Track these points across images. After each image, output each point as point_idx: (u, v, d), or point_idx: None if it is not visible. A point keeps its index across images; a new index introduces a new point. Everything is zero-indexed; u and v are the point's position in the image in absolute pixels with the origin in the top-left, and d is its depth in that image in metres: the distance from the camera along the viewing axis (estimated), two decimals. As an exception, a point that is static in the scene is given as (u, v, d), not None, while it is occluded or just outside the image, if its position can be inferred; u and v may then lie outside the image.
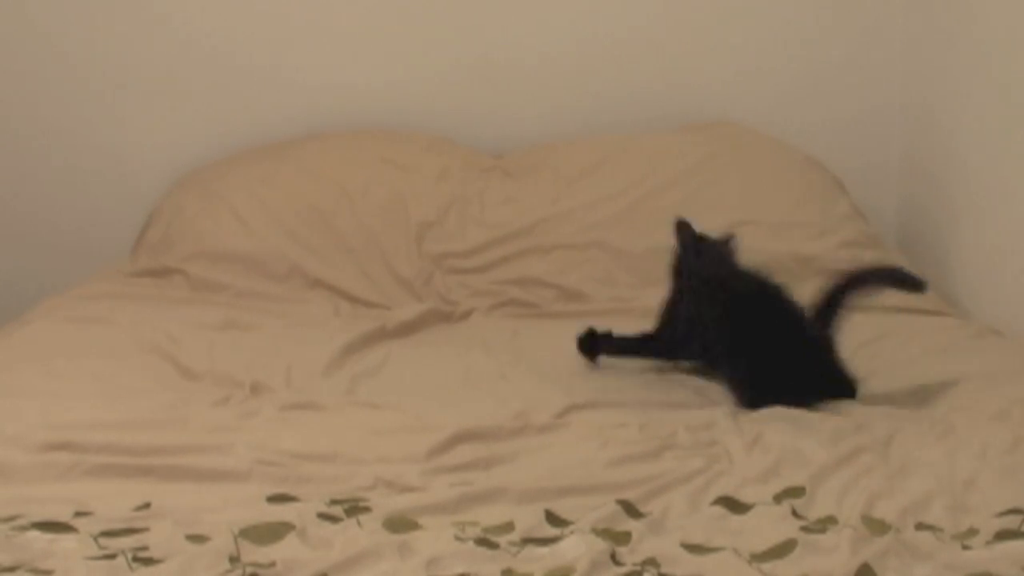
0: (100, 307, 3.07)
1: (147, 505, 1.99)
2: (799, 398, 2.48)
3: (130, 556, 1.81)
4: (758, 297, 2.61)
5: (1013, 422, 2.37)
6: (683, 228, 2.73)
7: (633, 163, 3.46)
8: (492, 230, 3.35)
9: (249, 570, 1.78)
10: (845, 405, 2.51)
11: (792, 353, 2.53)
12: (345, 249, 3.31)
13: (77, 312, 3.03)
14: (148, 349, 2.80)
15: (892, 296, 3.16)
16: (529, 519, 1.95)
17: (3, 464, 2.14)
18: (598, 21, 3.62)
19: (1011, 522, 1.94)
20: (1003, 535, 1.90)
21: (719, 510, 2.01)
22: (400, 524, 1.92)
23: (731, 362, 2.58)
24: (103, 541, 1.86)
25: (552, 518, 1.96)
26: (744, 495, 2.05)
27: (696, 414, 2.46)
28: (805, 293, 3.02)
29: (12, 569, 1.77)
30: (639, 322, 2.78)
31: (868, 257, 3.27)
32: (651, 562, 1.81)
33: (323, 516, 1.96)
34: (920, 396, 2.54)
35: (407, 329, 3.02)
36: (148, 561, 1.80)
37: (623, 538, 1.89)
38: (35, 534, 1.88)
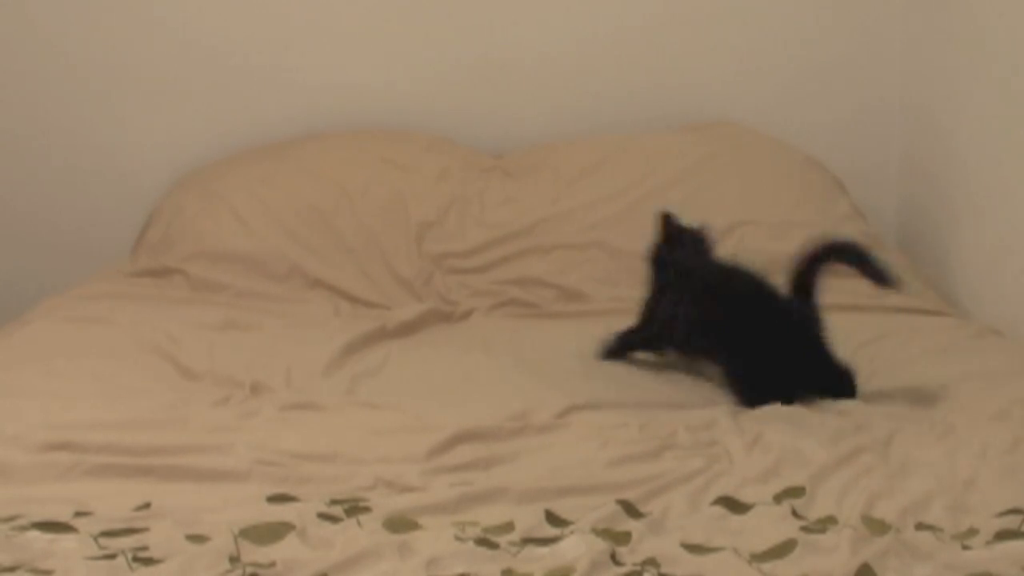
0: (100, 307, 3.07)
1: (147, 505, 1.99)
2: (796, 391, 2.49)
3: (130, 556, 1.81)
4: (749, 291, 2.62)
5: (1013, 422, 2.37)
6: (667, 220, 2.74)
7: (633, 163, 3.46)
8: (492, 230, 3.35)
9: (249, 570, 1.78)
10: (845, 405, 2.51)
11: (787, 348, 2.53)
12: (345, 249, 3.31)
13: (77, 312, 3.03)
14: (148, 349, 2.80)
15: (892, 296, 3.17)
16: (529, 519, 1.95)
17: (3, 464, 2.14)
18: (598, 21, 3.62)
19: (1011, 522, 1.94)
20: (1003, 535, 1.90)
21: (719, 510, 2.01)
22: (400, 524, 1.92)
23: (729, 361, 2.58)
24: (103, 541, 1.86)
25: (552, 518, 1.96)
26: (744, 495, 2.05)
27: (696, 414, 2.46)
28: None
29: (12, 569, 1.77)
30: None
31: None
32: (651, 562, 1.81)
33: (323, 516, 1.96)
34: (920, 396, 2.54)
35: (407, 329, 3.02)
36: (148, 561, 1.80)
37: (623, 538, 1.89)
38: (35, 534, 1.88)
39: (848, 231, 3.32)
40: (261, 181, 3.43)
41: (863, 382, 2.58)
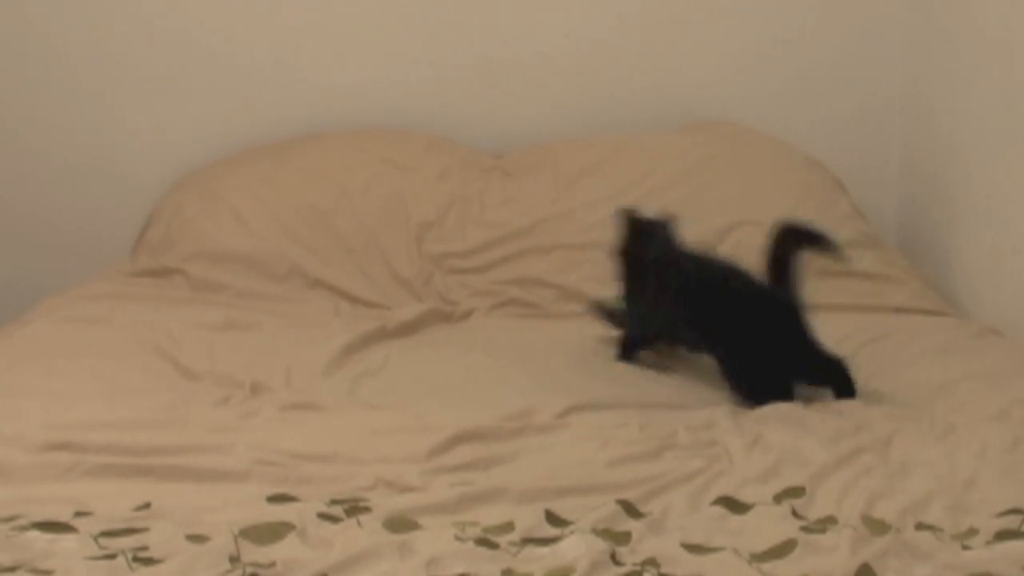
0: (100, 307, 3.07)
1: (147, 505, 1.99)
2: (790, 377, 2.50)
3: (130, 556, 1.81)
4: (730, 281, 2.63)
5: (1013, 422, 2.37)
6: (630, 216, 2.79)
7: (633, 163, 3.46)
8: (492, 230, 3.35)
9: (249, 570, 1.78)
10: (845, 405, 2.51)
11: (776, 334, 2.54)
12: (345, 249, 3.31)
13: (77, 312, 3.03)
14: (148, 349, 2.80)
15: (892, 296, 3.18)
16: (529, 519, 1.95)
17: (3, 464, 2.14)
18: (598, 21, 3.62)
19: (1011, 522, 1.94)
20: (1003, 535, 1.90)
21: (719, 510, 2.01)
22: (400, 524, 1.92)
23: (723, 355, 2.59)
24: (103, 541, 1.86)
25: (552, 518, 1.96)
26: (744, 495, 2.05)
27: (696, 414, 2.46)
28: (805, 293, 3.03)
29: (12, 569, 1.77)
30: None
31: (868, 257, 3.27)
32: (651, 562, 1.81)
33: (323, 516, 1.96)
34: (920, 396, 2.54)
35: (407, 329, 3.02)
36: (148, 561, 1.80)
37: (623, 538, 1.89)
38: (35, 534, 1.88)
39: (848, 231, 3.33)
40: (261, 181, 3.43)
41: (863, 382, 2.58)
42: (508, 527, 1.92)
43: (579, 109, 3.63)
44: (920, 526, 1.93)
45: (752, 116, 3.62)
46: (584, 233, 3.31)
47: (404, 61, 3.60)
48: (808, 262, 3.22)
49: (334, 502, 2.00)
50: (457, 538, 1.88)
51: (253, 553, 1.82)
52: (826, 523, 1.94)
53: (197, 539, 1.86)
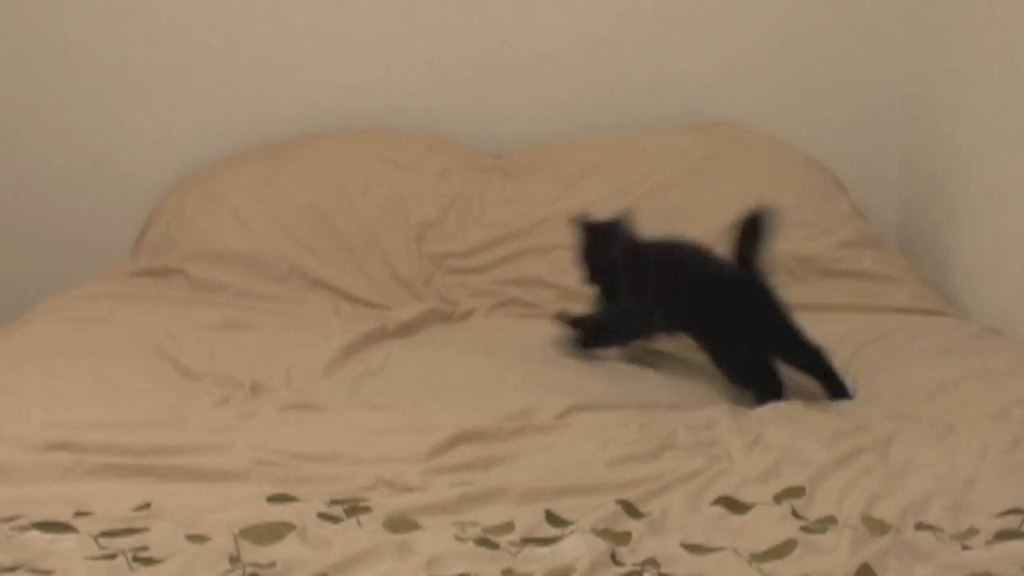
0: (100, 307, 3.07)
1: (147, 505, 1.99)
2: (769, 353, 2.53)
3: (130, 556, 1.81)
4: (704, 267, 2.66)
5: (1013, 422, 2.37)
6: (583, 223, 2.83)
7: (633, 163, 3.46)
8: (492, 230, 3.35)
9: (249, 570, 1.78)
10: (845, 405, 2.51)
11: (755, 318, 2.56)
12: (345, 249, 3.31)
13: (77, 312, 3.03)
14: (148, 349, 2.79)
15: (892, 296, 3.18)
16: (529, 519, 1.95)
17: (3, 464, 2.14)
18: (598, 21, 3.62)
19: (1011, 522, 1.94)
20: (1003, 535, 1.90)
21: (719, 510, 2.01)
22: (400, 524, 1.92)
23: (714, 347, 2.59)
24: (103, 541, 1.86)
25: (552, 518, 1.96)
26: (744, 495, 2.05)
27: (696, 414, 2.46)
28: (804, 293, 3.03)
29: (12, 569, 1.77)
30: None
31: (868, 257, 3.27)
32: (651, 562, 1.81)
33: (323, 516, 1.96)
34: (920, 396, 2.54)
35: (407, 329, 3.02)
36: (148, 561, 1.80)
37: (623, 538, 1.89)
38: (35, 534, 1.88)
39: (848, 231, 3.33)
40: (261, 181, 3.43)
41: (863, 382, 2.58)
42: (508, 527, 1.92)
43: (579, 109, 3.63)
44: (920, 526, 1.93)
45: (752, 116, 3.62)
46: (584, 233, 3.31)
47: (404, 61, 3.61)
48: (808, 262, 3.24)
49: (334, 502, 2.00)
50: (457, 538, 1.88)
51: (253, 553, 1.82)
52: (826, 523, 1.94)
53: (197, 539, 1.86)
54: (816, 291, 3.16)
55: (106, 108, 3.59)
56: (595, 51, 3.63)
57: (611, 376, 2.71)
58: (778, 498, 2.04)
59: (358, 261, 3.30)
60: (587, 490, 2.08)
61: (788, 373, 2.58)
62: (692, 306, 2.62)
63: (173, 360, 2.74)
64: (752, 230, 2.60)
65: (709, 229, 3.15)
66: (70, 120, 3.59)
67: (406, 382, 2.69)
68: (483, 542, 1.87)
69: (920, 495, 2.05)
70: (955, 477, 2.13)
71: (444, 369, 2.76)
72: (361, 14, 3.60)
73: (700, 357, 2.68)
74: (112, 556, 1.81)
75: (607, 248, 2.80)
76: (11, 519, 1.91)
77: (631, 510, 1.99)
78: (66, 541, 1.86)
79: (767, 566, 1.80)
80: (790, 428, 2.35)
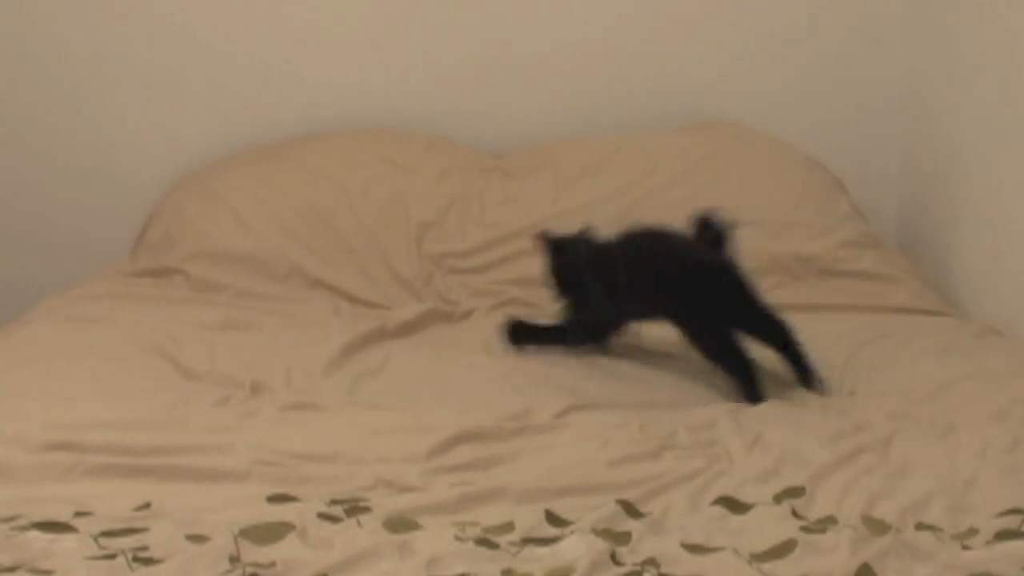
0: (100, 307, 3.07)
1: (147, 505, 1.99)
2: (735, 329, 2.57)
3: (130, 556, 1.81)
4: (671, 251, 2.69)
5: (1013, 422, 2.37)
6: (547, 239, 2.88)
7: (633, 163, 3.46)
8: (492, 230, 3.35)
9: (249, 570, 1.78)
10: (845, 405, 2.51)
11: (717, 295, 2.60)
12: (345, 249, 3.31)
13: (77, 312, 3.03)
14: (148, 349, 2.79)
15: (892, 296, 3.18)
16: (529, 519, 1.95)
17: (3, 464, 2.14)
18: (598, 21, 3.62)
19: (1011, 522, 1.94)
20: (1003, 535, 1.90)
21: (719, 510, 2.01)
22: (400, 524, 1.92)
23: (726, 362, 2.60)
24: (103, 541, 1.86)
25: (552, 518, 1.96)
26: (744, 495, 2.05)
27: (696, 414, 2.46)
28: (804, 293, 3.04)
29: (12, 569, 1.77)
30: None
31: (868, 257, 3.27)
32: (651, 562, 1.81)
33: (323, 516, 1.96)
34: (920, 396, 2.54)
35: (407, 329, 3.02)
36: (148, 561, 1.80)
37: (623, 538, 1.89)
38: (35, 534, 1.88)
39: (848, 231, 3.33)
40: (261, 181, 3.43)
41: (863, 381, 2.58)
42: (508, 527, 1.92)
43: (579, 109, 3.63)
44: (920, 526, 1.93)
45: (752, 116, 3.62)
46: (584, 233, 3.31)
47: (404, 61, 3.61)
48: (808, 262, 3.24)
49: (334, 502, 2.00)
50: (457, 538, 1.88)
51: (253, 553, 1.82)
52: (826, 523, 1.94)
53: (197, 539, 1.86)
54: (816, 291, 3.16)
55: (106, 108, 3.59)
56: (595, 51, 3.63)
57: (611, 376, 2.71)
58: (778, 498, 2.04)
59: (358, 261, 3.30)
60: (587, 490, 2.08)
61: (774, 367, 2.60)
62: (665, 290, 2.64)
63: (173, 360, 2.74)
64: (704, 233, 2.63)
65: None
66: (70, 120, 3.59)
67: (406, 382, 2.69)
68: (483, 542, 1.87)
69: (920, 495, 2.05)
70: (955, 477, 2.13)
71: (444, 369, 2.76)
72: (361, 14, 3.60)
73: (699, 357, 2.68)
74: (112, 556, 1.81)
75: (573, 259, 2.82)
76: (11, 519, 1.91)
77: (631, 510, 1.99)
78: (66, 541, 1.87)
79: (767, 566, 1.80)
80: (790, 428, 2.35)
